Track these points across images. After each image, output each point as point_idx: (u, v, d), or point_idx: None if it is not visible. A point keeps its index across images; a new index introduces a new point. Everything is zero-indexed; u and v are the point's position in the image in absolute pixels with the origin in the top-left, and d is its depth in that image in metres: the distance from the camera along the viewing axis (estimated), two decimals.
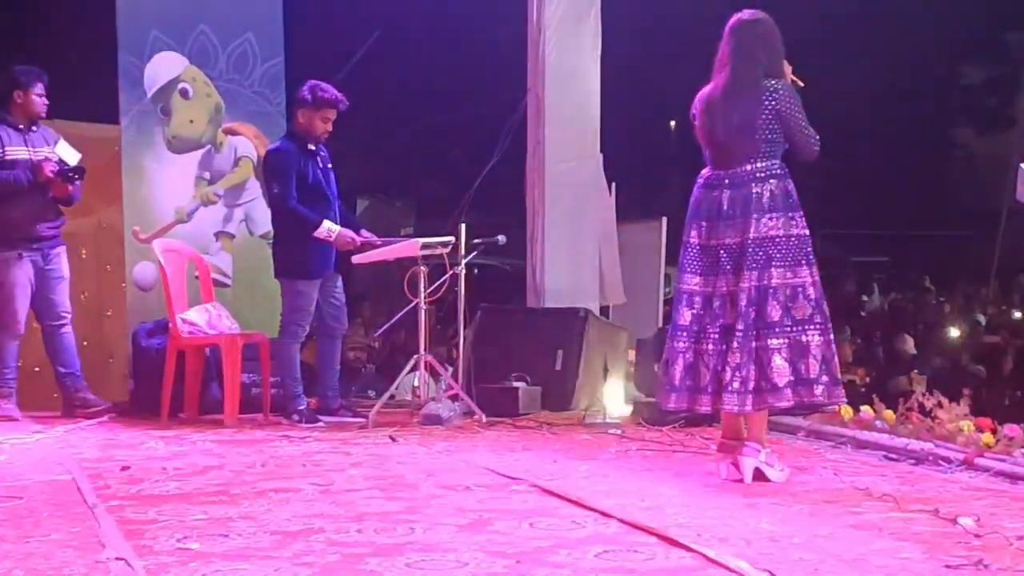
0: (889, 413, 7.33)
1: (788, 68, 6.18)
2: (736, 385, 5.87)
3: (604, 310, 10.73)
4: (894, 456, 6.80)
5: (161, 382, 8.58)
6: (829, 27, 23.70)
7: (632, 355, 9.72)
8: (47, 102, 8.85)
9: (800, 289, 5.92)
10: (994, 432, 6.60)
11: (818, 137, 6.10)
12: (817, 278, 5.98)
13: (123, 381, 9.68)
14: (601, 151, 10.72)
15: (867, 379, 14.57)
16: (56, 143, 8.88)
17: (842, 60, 24.84)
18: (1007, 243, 24.41)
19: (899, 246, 31.00)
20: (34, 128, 8.84)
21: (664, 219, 11.92)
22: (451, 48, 21.89)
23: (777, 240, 5.93)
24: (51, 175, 8.65)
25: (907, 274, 26.37)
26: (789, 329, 5.89)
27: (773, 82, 6.02)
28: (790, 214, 5.98)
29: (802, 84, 6.16)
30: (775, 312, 5.88)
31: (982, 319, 20.03)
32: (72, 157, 8.85)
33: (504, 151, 10.76)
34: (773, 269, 5.90)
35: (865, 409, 7.50)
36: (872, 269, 28.85)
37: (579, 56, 10.56)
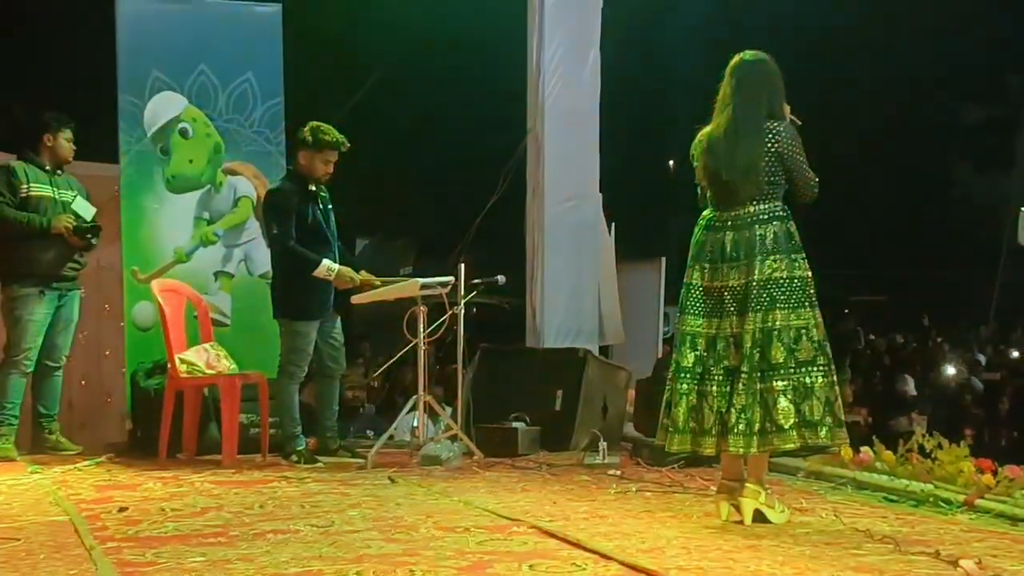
0: (889, 454, 7.32)
1: (787, 108, 6.19)
2: (742, 427, 5.86)
3: (604, 350, 10.72)
4: (894, 497, 6.79)
5: (159, 422, 8.56)
6: (829, 67, 23.78)
7: (632, 395, 9.71)
8: (75, 148, 9.01)
9: (804, 331, 5.92)
10: (994, 473, 6.59)
11: (818, 180, 6.11)
12: (820, 320, 5.98)
13: (121, 421, 9.66)
14: (600, 191, 10.74)
15: (869, 419, 14.58)
16: (77, 195, 9.00)
17: (843, 99, 24.91)
18: (1006, 283, 24.46)
19: (898, 286, 31.02)
20: (59, 172, 8.97)
21: (663, 259, 11.93)
22: (451, 89, 21.99)
23: (781, 282, 5.93)
24: (64, 231, 8.76)
25: (906, 314, 26.37)
26: (793, 371, 5.88)
27: (775, 123, 6.03)
28: (793, 256, 5.98)
29: (799, 122, 6.16)
30: (779, 354, 5.87)
31: (981, 358, 20.04)
32: (87, 212, 8.97)
33: (504, 191, 10.77)
34: (777, 311, 5.90)
35: (865, 450, 7.49)
36: (868, 309, 28.90)
37: (578, 97, 10.60)
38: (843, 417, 6.06)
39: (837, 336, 21.05)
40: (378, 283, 8.72)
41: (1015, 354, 20.64)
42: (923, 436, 7.27)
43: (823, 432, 5.92)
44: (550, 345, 10.24)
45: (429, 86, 22.07)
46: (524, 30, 10.78)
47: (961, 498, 6.42)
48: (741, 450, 5.90)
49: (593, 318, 10.62)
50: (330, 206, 8.74)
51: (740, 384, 5.89)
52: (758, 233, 5.98)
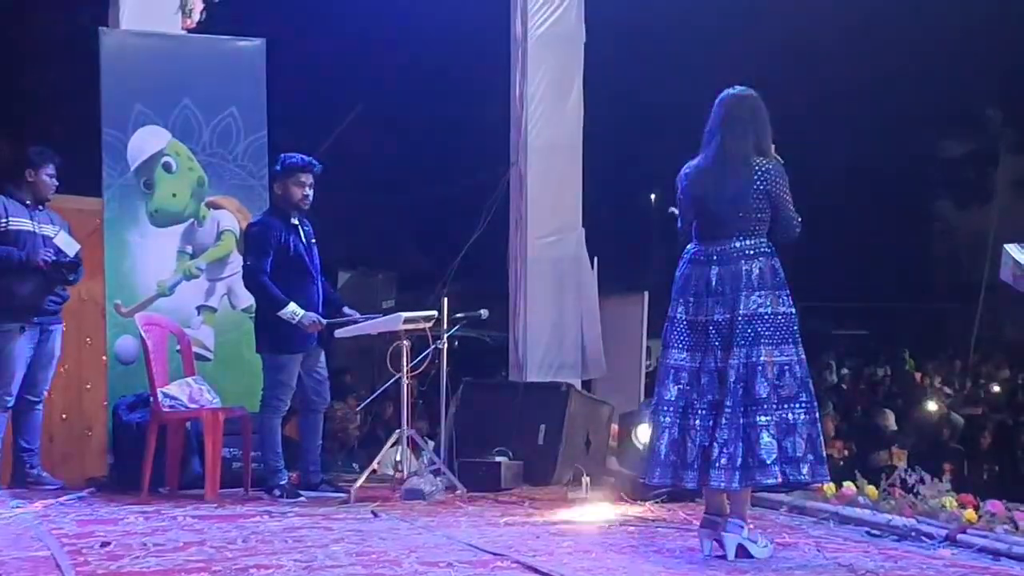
0: (871, 489, 7.33)
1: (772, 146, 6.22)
2: (724, 461, 5.87)
3: (586, 383, 10.73)
4: (877, 532, 6.80)
5: (141, 456, 8.53)
6: (810, 101, 23.87)
7: (615, 429, 9.71)
8: (56, 183, 9.02)
9: (787, 367, 5.94)
10: (976, 508, 6.61)
11: (800, 220, 6.14)
12: (803, 356, 6.00)
13: (102, 455, 9.62)
14: (583, 225, 10.77)
15: (845, 452, 14.59)
16: (60, 229, 8.99)
17: (821, 134, 25.00)
18: (986, 317, 24.52)
19: (879, 319, 31.08)
20: (40, 207, 8.97)
21: (646, 293, 11.94)
22: (434, 122, 22.03)
23: (765, 317, 5.95)
24: (43, 265, 8.75)
25: (887, 348, 26.42)
26: (776, 407, 5.90)
27: (763, 160, 6.07)
28: (778, 292, 6.01)
29: (782, 160, 6.19)
30: (763, 389, 5.89)
31: (960, 392, 20.08)
32: (71, 248, 8.96)
33: (487, 225, 10.80)
34: (761, 346, 5.92)
35: (847, 485, 7.50)
36: (849, 342, 28.94)
37: (562, 130, 10.64)
38: (824, 454, 6.08)
39: (819, 369, 21.16)
40: (359, 319, 8.73)
41: (996, 388, 20.66)
42: (905, 471, 7.29)
43: (805, 469, 5.93)
44: (533, 379, 10.25)
45: (412, 120, 22.11)
46: (507, 64, 10.82)
47: (944, 533, 6.44)
48: (723, 484, 5.91)
49: (575, 352, 10.63)
50: (314, 240, 8.76)
51: (723, 418, 5.91)
52: (744, 268, 6.01)
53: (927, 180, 32.39)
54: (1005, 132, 30.09)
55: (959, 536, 6.34)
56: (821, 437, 6.03)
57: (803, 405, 5.93)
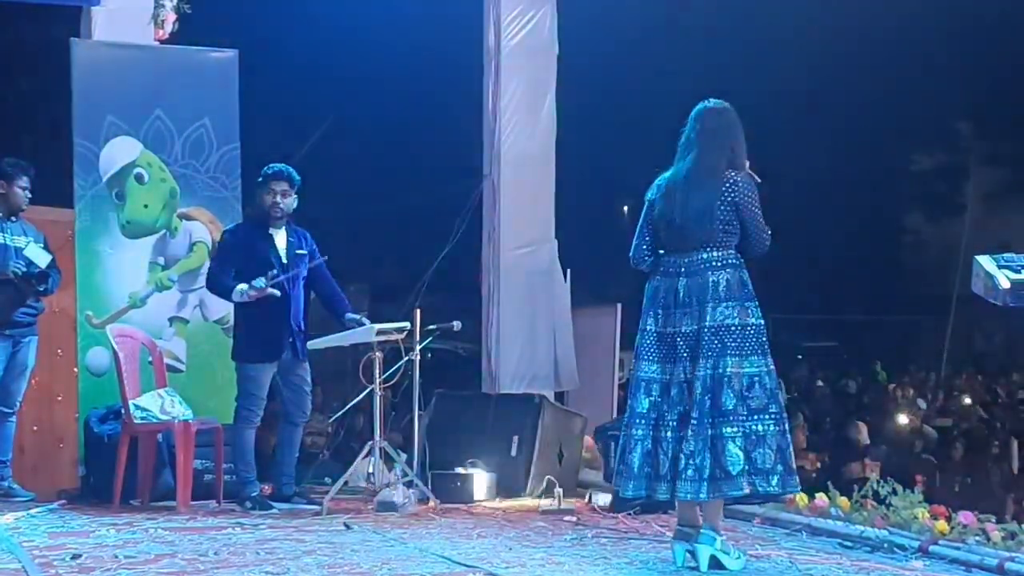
0: (844, 500, 7.35)
1: (746, 162, 6.24)
2: (691, 473, 5.88)
3: (559, 395, 10.73)
4: (849, 544, 6.82)
5: (113, 468, 8.49)
6: (782, 114, 23.94)
7: (589, 441, 9.72)
8: (30, 195, 8.99)
9: (756, 378, 5.95)
10: (948, 519, 6.63)
11: (770, 233, 6.15)
12: (772, 368, 6.01)
13: (73, 467, 9.57)
14: (556, 237, 10.78)
15: (818, 464, 14.62)
16: (31, 240, 8.95)
17: (793, 147, 25.08)
18: (957, 329, 24.64)
19: (850, 332, 31.17)
20: (13, 219, 8.93)
21: (619, 305, 11.94)
22: (406, 133, 22.00)
23: (732, 329, 5.96)
24: (13, 277, 8.71)
25: (858, 360, 26.51)
26: (744, 418, 5.91)
27: (734, 173, 6.08)
28: (745, 304, 6.03)
29: (758, 179, 6.21)
30: (729, 401, 5.90)
31: (932, 404, 20.14)
32: (42, 259, 8.92)
33: (459, 237, 10.80)
34: (728, 358, 5.93)
35: (820, 496, 7.51)
36: (821, 354, 29.00)
37: (534, 142, 10.67)
38: (794, 465, 6.09)
39: (793, 381, 21.23)
40: (363, 321, 8.67)
41: (967, 400, 20.75)
42: (877, 482, 7.31)
43: (775, 480, 5.94)
44: (505, 391, 10.26)
45: (384, 131, 22.08)
46: (480, 76, 10.83)
47: (916, 544, 6.46)
48: (690, 496, 5.93)
49: (548, 364, 10.64)
50: (300, 251, 8.68)
51: (690, 430, 5.92)
52: (711, 280, 6.02)
53: (899, 193, 32.52)
54: (976, 145, 30.25)
55: (931, 547, 6.37)
56: (791, 448, 6.04)
57: (772, 416, 5.95)
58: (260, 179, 8.65)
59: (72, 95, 9.65)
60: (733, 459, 5.88)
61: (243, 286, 8.36)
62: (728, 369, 5.93)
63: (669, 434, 6.01)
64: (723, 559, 5.96)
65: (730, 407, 5.91)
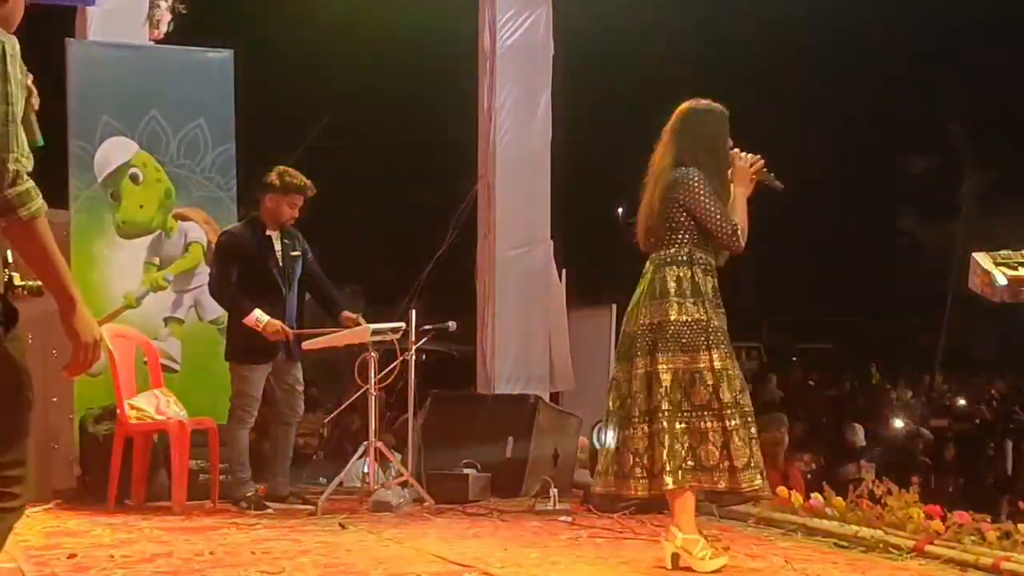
0: (839, 500, 7.35)
1: (747, 162, 6.21)
2: (638, 471, 5.91)
3: (555, 396, 10.74)
4: (844, 543, 6.81)
5: (108, 468, 8.49)
6: (775, 116, 23.97)
7: (584, 441, 9.72)
8: None
9: (698, 375, 5.92)
10: (943, 519, 6.63)
11: (737, 225, 6.08)
12: (717, 364, 5.93)
13: (68, 467, 9.55)
14: (551, 237, 10.79)
15: (812, 465, 14.63)
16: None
17: (786, 149, 25.13)
18: (951, 331, 24.67)
19: (844, 333, 31.21)
20: None
21: (613, 306, 11.95)
22: (401, 134, 22.02)
23: (664, 326, 5.95)
24: None
25: (853, 361, 26.54)
26: (688, 414, 5.90)
27: (683, 170, 6.08)
28: (681, 300, 5.99)
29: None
30: (658, 397, 5.89)
31: (927, 406, 20.16)
32: None
33: (455, 237, 10.81)
34: (659, 354, 5.93)
35: (815, 496, 7.52)
36: (815, 356, 29.03)
37: (529, 143, 10.67)
38: (747, 461, 5.94)
39: (789, 383, 21.22)
40: (361, 321, 8.67)
41: (961, 401, 20.77)
42: (872, 482, 7.31)
43: (718, 477, 5.88)
44: (501, 391, 10.26)
45: (379, 132, 22.10)
46: (476, 76, 10.84)
47: (911, 544, 6.46)
48: (635, 492, 5.97)
49: (543, 364, 10.65)
50: (294, 252, 8.70)
51: (632, 428, 5.95)
52: (657, 278, 6.05)
53: (893, 194, 32.57)
54: (970, 147, 30.28)
55: (926, 547, 6.36)
56: (740, 443, 5.91)
57: (714, 412, 5.89)
58: (281, 185, 8.57)
59: (67, 95, 9.64)
60: (670, 454, 5.85)
61: (262, 317, 8.35)
62: (658, 365, 5.92)
63: (628, 431, 6.05)
64: (687, 559, 5.90)
65: (658, 403, 5.89)
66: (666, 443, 5.85)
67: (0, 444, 3.43)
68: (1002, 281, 5.17)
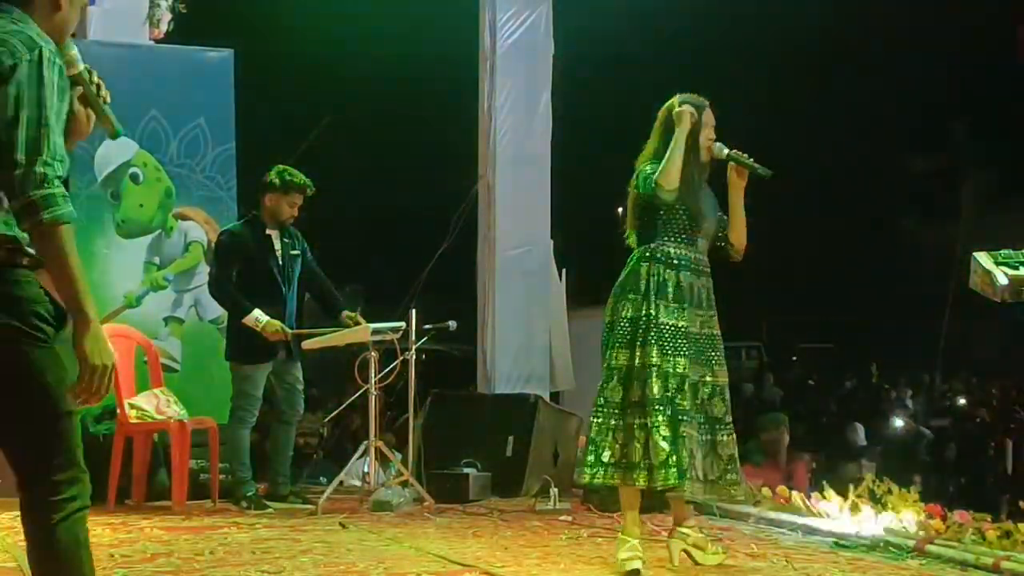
0: (840, 499, 7.35)
1: (727, 150, 6.20)
2: (590, 459, 5.99)
3: (554, 395, 10.73)
4: (845, 543, 6.81)
5: (108, 468, 8.49)
6: (776, 114, 23.98)
7: (583, 441, 9.70)
8: None
9: (635, 372, 5.93)
10: (944, 518, 6.63)
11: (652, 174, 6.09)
12: (655, 360, 5.89)
13: None
14: (552, 237, 10.78)
15: (813, 464, 14.61)
16: None
17: (787, 148, 25.12)
18: (952, 330, 24.63)
19: (845, 333, 31.19)
20: None
21: None
22: (402, 134, 22.01)
23: (606, 323, 6.05)
24: None
25: (854, 361, 26.53)
26: (624, 412, 5.92)
27: (644, 165, 6.11)
28: (618, 297, 6.03)
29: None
30: (615, 394, 5.92)
31: (928, 405, 20.16)
32: None
33: (455, 237, 10.80)
34: (611, 350, 5.96)
35: (816, 495, 7.52)
36: (816, 355, 29.02)
37: (530, 143, 10.65)
38: (669, 460, 5.84)
39: (791, 382, 21.21)
40: (360, 320, 8.66)
41: (962, 401, 20.77)
42: (873, 481, 7.31)
43: (643, 476, 5.88)
44: (501, 391, 10.25)
45: (380, 132, 22.10)
46: (476, 76, 10.83)
47: (912, 543, 6.46)
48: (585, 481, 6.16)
49: (544, 364, 10.63)
50: (294, 251, 8.70)
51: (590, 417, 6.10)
52: (625, 271, 6.14)
53: (894, 194, 32.56)
54: (971, 146, 30.26)
55: (927, 547, 6.37)
56: (667, 443, 5.80)
57: (641, 410, 5.88)
58: (281, 183, 8.58)
59: None
60: (633, 452, 5.89)
61: (261, 317, 8.35)
62: (620, 360, 5.99)
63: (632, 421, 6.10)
64: (695, 554, 6.00)
65: (629, 398, 5.96)
66: (606, 439, 5.95)
67: (49, 447, 3.40)
68: (1003, 280, 5.18)
